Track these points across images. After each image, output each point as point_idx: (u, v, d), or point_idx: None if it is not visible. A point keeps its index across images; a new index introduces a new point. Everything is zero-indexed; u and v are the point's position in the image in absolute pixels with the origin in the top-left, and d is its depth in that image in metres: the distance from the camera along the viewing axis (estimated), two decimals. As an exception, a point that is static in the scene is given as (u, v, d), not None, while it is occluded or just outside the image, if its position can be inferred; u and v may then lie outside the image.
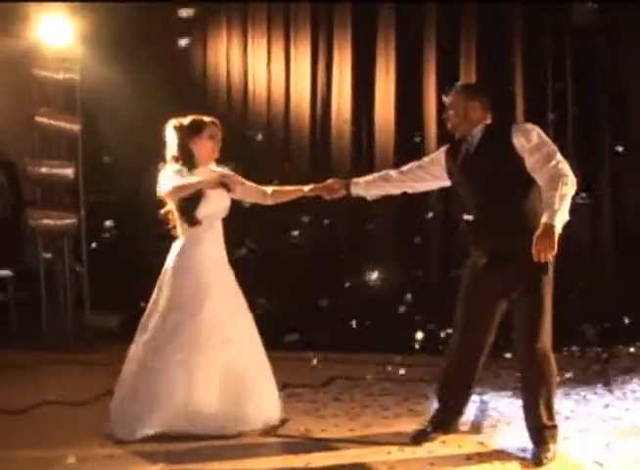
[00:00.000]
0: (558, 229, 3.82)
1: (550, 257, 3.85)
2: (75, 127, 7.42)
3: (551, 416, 4.25)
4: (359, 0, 7.26)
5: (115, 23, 7.22)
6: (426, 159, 4.67)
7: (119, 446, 4.36)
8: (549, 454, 4.15)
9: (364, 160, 7.34)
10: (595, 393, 5.44)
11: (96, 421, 4.70)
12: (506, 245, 4.16)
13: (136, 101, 7.19)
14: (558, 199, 3.88)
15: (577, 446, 4.31)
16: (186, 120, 4.69)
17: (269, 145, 7.42)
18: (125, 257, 7.39)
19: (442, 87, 6.84)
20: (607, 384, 5.59)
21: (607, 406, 5.15)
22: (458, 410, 4.60)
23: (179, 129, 4.65)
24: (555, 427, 4.27)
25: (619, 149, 6.91)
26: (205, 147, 4.67)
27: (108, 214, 7.60)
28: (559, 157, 4.04)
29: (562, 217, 3.86)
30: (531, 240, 3.86)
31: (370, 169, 7.11)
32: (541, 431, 4.21)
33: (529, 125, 4.22)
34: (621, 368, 6.20)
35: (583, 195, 6.65)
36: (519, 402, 4.44)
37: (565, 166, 4.00)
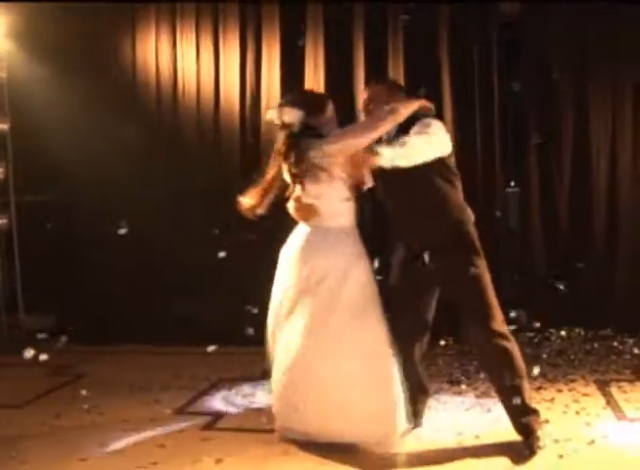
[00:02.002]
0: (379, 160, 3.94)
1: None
2: (4, 126, 7.30)
3: (530, 399, 4.19)
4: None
5: (44, 20, 7.11)
6: None
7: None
8: (541, 443, 4.11)
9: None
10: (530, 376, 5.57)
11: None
12: (436, 235, 4.20)
13: (66, 99, 7.10)
14: (401, 142, 4.00)
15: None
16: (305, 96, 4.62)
17: (199, 138, 7.36)
18: (59, 257, 7.30)
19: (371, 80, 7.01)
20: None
21: (539, 389, 5.30)
22: (420, 393, 4.52)
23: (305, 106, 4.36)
24: (535, 411, 4.21)
25: (543, 140, 7.05)
26: (332, 124, 4.44)
27: (43, 214, 7.47)
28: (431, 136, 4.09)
29: (392, 154, 3.94)
30: (462, 231, 3.96)
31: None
32: (522, 418, 4.15)
33: (430, 120, 4.19)
34: (553, 351, 6.38)
35: (512, 184, 6.82)
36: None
37: (427, 139, 4.04)
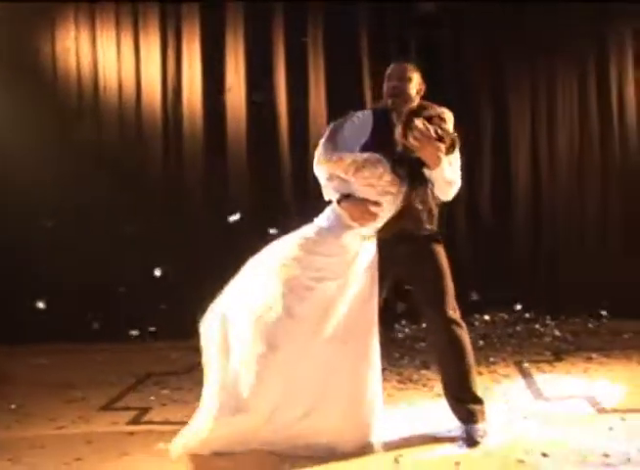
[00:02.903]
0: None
1: None
2: None
3: (476, 388, 4.19)
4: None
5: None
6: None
7: None
8: (482, 433, 4.08)
9: (216, 148, 7.38)
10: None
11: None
12: (415, 222, 4.16)
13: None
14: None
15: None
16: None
17: (121, 134, 7.35)
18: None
19: (293, 79, 7.11)
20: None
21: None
22: None
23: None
24: (482, 402, 4.19)
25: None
26: None
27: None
28: None
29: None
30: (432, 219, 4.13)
31: (223, 158, 7.27)
32: (467, 405, 4.14)
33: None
34: (477, 335, 6.54)
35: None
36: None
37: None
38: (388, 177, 3.99)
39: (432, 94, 4.15)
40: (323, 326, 3.99)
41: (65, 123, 7.21)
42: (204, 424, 4.05)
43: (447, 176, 4.06)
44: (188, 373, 5.79)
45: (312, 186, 7.18)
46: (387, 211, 4.03)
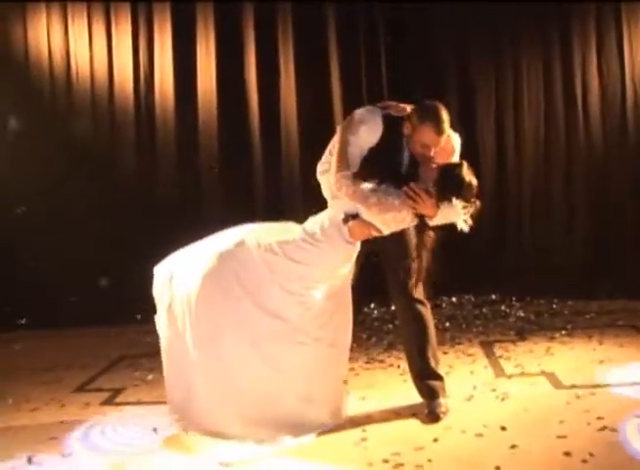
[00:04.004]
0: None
1: None
2: None
3: (438, 366, 4.36)
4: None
5: None
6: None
7: None
8: (443, 408, 4.23)
9: (189, 135, 7.48)
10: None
11: None
12: None
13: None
14: None
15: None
16: None
17: (94, 121, 7.42)
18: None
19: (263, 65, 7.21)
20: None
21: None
22: None
23: None
24: (442, 379, 4.37)
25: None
26: None
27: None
28: None
29: None
30: None
31: (195, 144, 7.36)
32: (428, 381, 4.30)
33: None
34: (443, 316, 6.69)
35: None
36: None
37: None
38: (408, 220, 4.06)
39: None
40: (311, 330, 4.10)
41: (37, 112, 7.28)
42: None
43: (439, 222, 4.12)
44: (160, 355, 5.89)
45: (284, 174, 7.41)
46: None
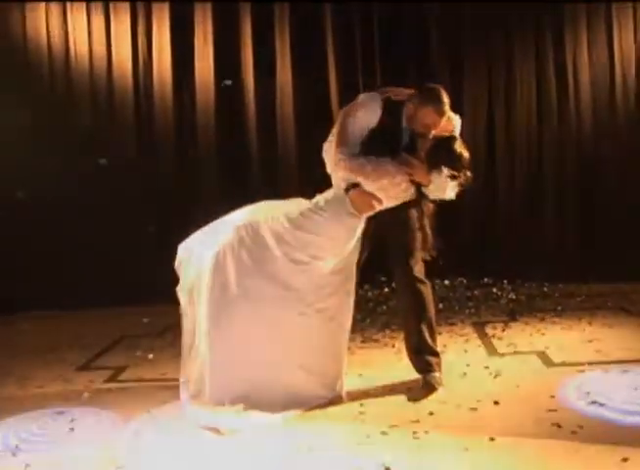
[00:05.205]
0: None
1: None
2: None
3: (435, 343, 4.50)
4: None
5: None
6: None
7: None
8: (438, 381, 4.39)
9: (187, 121, 7.60)
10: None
11: None
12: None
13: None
14: None
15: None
16: None
17: (93, 106, 7.48)
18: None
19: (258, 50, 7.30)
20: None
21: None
22: None
23: None
24: (439, 355, 4.51)
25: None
26: None
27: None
28: None
29: None
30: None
31: (193, 132, 7.45)
32: (424, 356, 4.44)
33: None
34: (438, 298, 6.79)
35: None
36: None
37: None
38: (404, 186, 4.28)
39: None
40: (314, 301, 4.29)
41: (36, 97, 7.34)
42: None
43: (435, 194, 4.31)
44: (160, 335, 6.08)
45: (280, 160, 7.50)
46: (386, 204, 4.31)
